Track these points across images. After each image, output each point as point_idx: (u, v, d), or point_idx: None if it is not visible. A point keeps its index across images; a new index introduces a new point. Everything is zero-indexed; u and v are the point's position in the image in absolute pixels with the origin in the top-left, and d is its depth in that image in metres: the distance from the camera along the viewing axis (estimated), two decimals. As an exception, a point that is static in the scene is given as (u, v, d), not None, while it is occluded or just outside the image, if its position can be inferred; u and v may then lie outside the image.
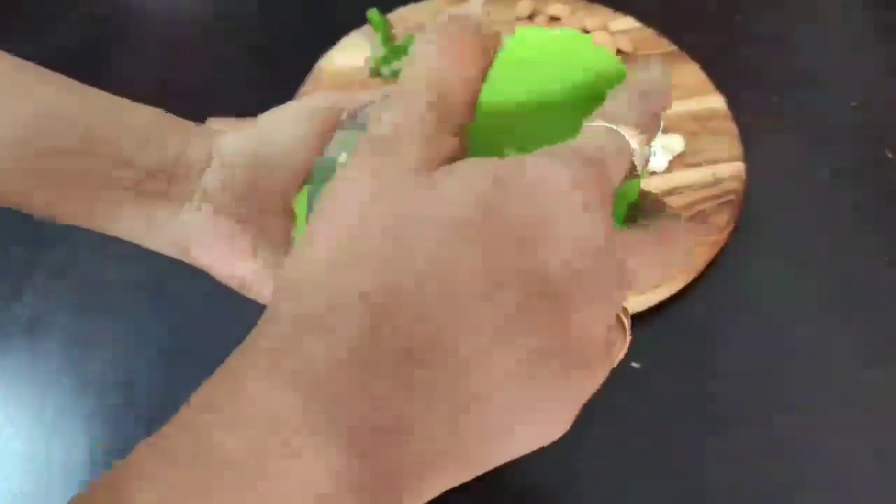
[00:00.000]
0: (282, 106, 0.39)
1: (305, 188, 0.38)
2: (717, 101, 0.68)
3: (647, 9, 0.74)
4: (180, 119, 0.39)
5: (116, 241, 0.60)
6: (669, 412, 0.54)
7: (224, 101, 0.68)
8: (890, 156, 0.67)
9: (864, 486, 0.51)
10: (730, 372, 0.56)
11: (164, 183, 0.37)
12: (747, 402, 0.54)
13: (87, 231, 0.61)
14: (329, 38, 0.71)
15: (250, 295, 0.40)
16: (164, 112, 0.39)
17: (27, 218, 0.62)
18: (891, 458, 0.52)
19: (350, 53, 0.70)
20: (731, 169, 0.64)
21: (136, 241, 0.39)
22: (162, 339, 0.56)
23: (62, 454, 0.51)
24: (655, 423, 0.53)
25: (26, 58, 0.41)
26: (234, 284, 0.40)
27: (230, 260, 0.38)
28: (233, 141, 0.38)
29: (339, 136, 0.36)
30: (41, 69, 0.39)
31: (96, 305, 0.58)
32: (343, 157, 0.35)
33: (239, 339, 0.56)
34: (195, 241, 0.38)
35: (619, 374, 0.55)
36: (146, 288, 0.59)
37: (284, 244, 0.39)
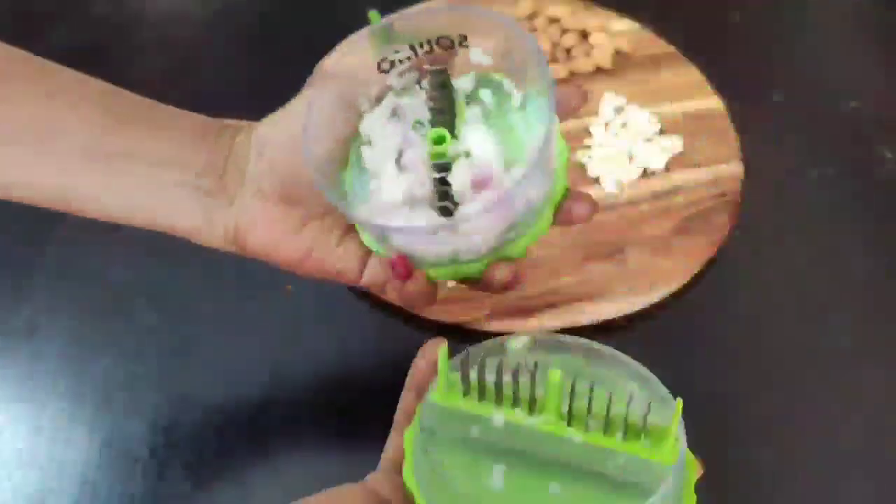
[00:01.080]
0: (307, 92, 0.42)
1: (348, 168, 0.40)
2: (715, 102, 0.68)
3: (646, 10, 0.74)
4: (223, 120, 0.43)
5: (117, 242, 0.60)
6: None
7: (224, 101, 0.68)
8: (889, 156, 0.67)
9: (863, 482, 0.51)
10: (728, 370, 0.56)
11: (217, 178, 0.41)
12: (745, 400, 0.54)
13: (88, 232, 0.61)
14: (330, 39, 0.71)
15: (308, 274, 0.42)
16: (211, 119, 0.43)
17: (28, 218, 0.62)
18: (889, 455, 0.52)
19: (351, 54, 0.70)
20: (730, 169, 0.64)
21: (195, 238, 0.43)
22: (162, 339, 0.56)
23: (63, 455, 0.51)
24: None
25: (27, 59, 0.42)
26: (292, 266, 0.42)
27: (282, 240, 0.41)
28: (269, 130, 0.41)
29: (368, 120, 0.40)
30: (99, 81, 0.43)
31: (97, 307, 0.58)
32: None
33: (239, 340, 0.56)
34: (249, 230, 0.41)
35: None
36: (146, 289, 0.59)
37: (326, 216, 0.42)
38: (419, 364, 0.40)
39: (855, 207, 0.64)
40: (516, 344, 0.34)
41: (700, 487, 0.51)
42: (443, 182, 0.37)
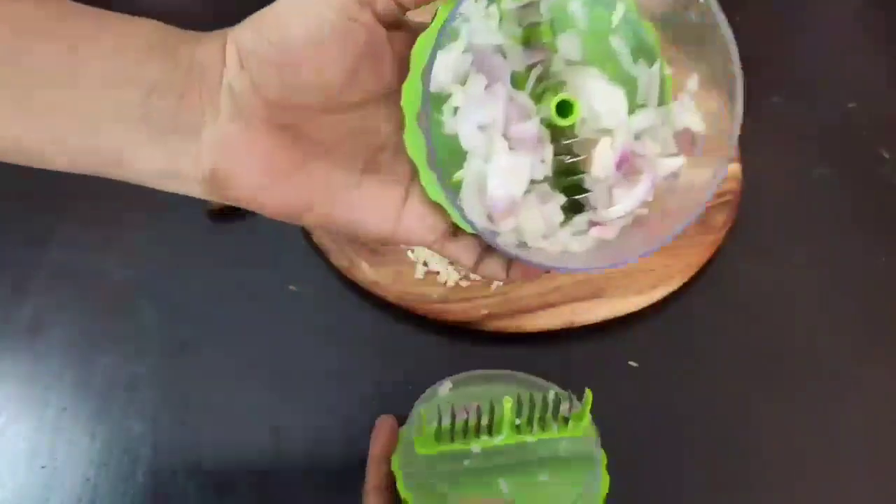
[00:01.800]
0: None
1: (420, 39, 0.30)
2: (714, 103, 0.68)
3: (646, 10, 0.74)
4: (187, 30, 0.33)
5: (118, 240, 0.61)
6: (667, 410, 0.54)
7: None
8: (887, 156, 0.67)
9: (860, 480, 0.52)
10: (727, 370, 0.56)
11: (176, 99, 0.31)
12: (744, 400, 0.54)
13: (89, 231, 0.61)
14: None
15: (314, 226, 0.35)
16: (165, 25, 0.33)
17: (29, 217, 0.62)
18: (887, 455, 0.52)
19: None
20: (729, 169, 0.64)
21: (161, 184, 0.32)
22: (163, 338, 0.56)
23: (64, 454, 0.51)
24: (652, 421, 0.54)
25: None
26: (291, 217, 0.32)
27: (278, 182, 0.31)
28: (250, 35, 0.31)
29: None
30: None
31: (98, 305, 0.58)
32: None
33: (239, 339, 0.56)
34: (232, 168, 0.31)
35: (617, 373, 0.55)
36: (147, 288, 0.59)
37: (335, 149, 0.32)
38: (378, 439, 0.43)
39: (854, 207, 0.64)
40: (442, 390, 0.44)
41: (704, 486, 0.51)
42: (570, 171, 0.29)
